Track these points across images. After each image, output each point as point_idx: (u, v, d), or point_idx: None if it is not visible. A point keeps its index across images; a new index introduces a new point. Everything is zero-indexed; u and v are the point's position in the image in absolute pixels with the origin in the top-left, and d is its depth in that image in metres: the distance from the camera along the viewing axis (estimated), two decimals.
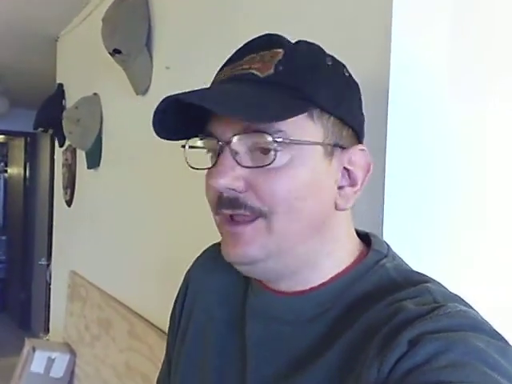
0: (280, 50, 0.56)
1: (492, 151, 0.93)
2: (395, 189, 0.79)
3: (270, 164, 0.53)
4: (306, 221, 0.55)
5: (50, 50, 2.84)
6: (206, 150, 0.59)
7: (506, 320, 0.71)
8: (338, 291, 0.57)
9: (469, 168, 0.91)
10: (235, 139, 0.54)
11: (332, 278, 0.58)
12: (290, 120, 0.52)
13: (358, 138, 0.60)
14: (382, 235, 0.78)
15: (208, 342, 0.67)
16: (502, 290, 0.93)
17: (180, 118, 0.57)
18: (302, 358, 0.55)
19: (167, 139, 0.59)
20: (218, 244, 0.75)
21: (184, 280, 0.79)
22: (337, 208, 0.58)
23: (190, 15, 1.46)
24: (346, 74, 0.60)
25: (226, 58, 0.60)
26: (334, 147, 0.56)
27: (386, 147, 0.78)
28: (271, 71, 0.55)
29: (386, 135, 0.78)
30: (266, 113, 0.52)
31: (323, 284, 0.58)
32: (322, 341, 0.54)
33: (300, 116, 0.54)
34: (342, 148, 0.57)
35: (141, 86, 1.67)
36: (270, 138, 0.53)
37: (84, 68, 2.38)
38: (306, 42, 0.59)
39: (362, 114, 0.62)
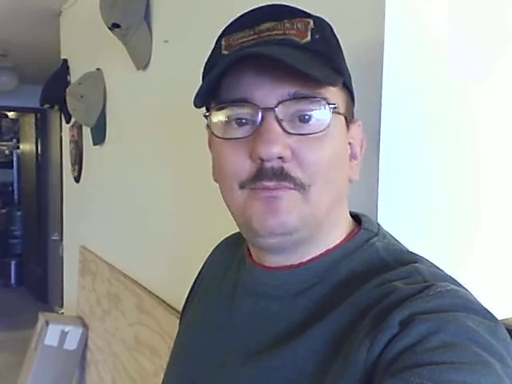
0: (309, 20, 0.55)
1: (494, 126, 0.89)
2: (389, 168, 0.77)
3: (321, 132, 0.52)
4: (335, 191, 0.56)
5: (54, 25, 2.82)
6: (223, 120, 0.55)
7: (501, 301, 0.70)
8: (326, 267, 0.57)
9: (468, 145, 0.86)
10: (282, 106, 0.52)
11: (321, 253, 0.58)
12: (331, 89, 0.53)
13: None
14: (376, 216, 0.76)
15: (197, 323, 0.68)
16: (499, 271, 0.91)
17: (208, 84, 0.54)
18: (286, 332, 0.54)
19: (198, 105, 0.56)
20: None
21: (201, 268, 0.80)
22: (350, 180, 0.59)
23: None
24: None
25: (227, 25, 0.58)
26: (348, 121, 0.58)
27: (380, 125, 0.76)
28: (308, 38, 0.54)
29: (380, 112, 0.76)
30: (330, 76, 0.52)
31: (312, 259, 0.58)
32: (308, 316, 0.54)
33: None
34: (350, 122, 0.59)
35: (141, 61, 1.65)
36: (324, 104, 0.52)
37: (87, 43, 2.36)
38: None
39: None
